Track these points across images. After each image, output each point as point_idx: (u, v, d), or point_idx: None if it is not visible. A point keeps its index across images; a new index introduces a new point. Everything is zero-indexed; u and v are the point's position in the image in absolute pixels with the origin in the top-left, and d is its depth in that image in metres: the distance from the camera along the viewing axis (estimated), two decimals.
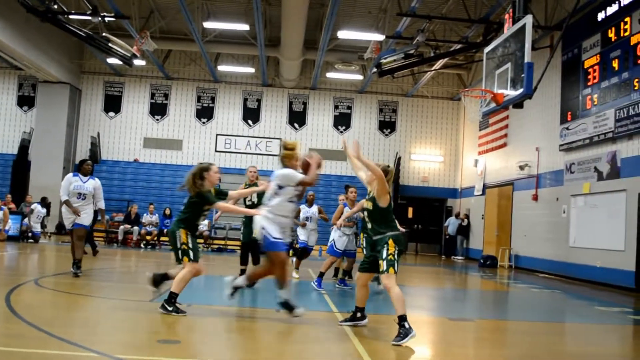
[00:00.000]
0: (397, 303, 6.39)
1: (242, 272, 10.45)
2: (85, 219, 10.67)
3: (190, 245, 7.45)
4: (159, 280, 7.73)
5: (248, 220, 10.28)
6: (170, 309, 7.19)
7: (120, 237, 20.87)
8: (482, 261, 21.38)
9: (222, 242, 22.50)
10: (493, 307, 10.11)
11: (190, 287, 11.16)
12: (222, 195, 8.14)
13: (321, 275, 11.05)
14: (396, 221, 6.90)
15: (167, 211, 21.92)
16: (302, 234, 13.14)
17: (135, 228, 20.93)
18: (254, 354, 5.83)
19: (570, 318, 10.27)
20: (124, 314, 7.60)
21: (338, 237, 11.25)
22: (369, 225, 6.91)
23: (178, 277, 7.40)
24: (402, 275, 10.99)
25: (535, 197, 19.41)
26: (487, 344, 7.05)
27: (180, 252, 7.44)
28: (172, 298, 7.27)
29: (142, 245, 20.80)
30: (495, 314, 9.83)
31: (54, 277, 10.72)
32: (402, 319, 6.29)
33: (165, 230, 21.17)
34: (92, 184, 11.02)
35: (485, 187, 24.15)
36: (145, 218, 21.38)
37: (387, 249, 6.53)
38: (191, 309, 8.04)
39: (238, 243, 22.28)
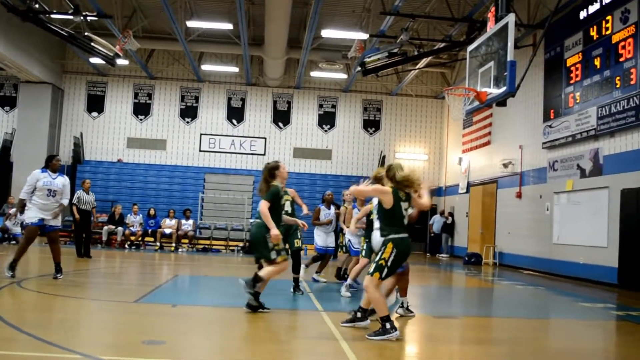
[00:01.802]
0: (376, 306, 6.47)
1: (295, 280, 10.25)
2: (57, 219, 10.45)
3: (281, 244, 7.80)
4: (251, 284, 7.73)
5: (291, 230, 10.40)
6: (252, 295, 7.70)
7: (104, 238, 20.71)
8: (466, 259, 21.47)
9: (207, 242, 22.42)
10: (478, 304, 10.17)
11: (175, 287, 11.14)
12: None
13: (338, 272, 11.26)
14: (404, 223, 6.66)
15: (152, 211, 21.80)
16: (320, 239, 12.37)
17: (120, 229, 20.78)
18: (239, 353, 5.82)
19: (554, 314, 10.34)
20: (109, 315, 7.56)
21: (353, 238, 11.09)
22: (377, 225, 6.95)
23: (269, 271, 7.74)
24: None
25: (519, 195, 19.52)
26: (472, 341, 7.08)
27: (274, 252, 7.71)
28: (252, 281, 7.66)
29: (126, 246, 20.67)
30: (479, 311, 9.88)
31: (37, 279, 10.62)
32: (383, 319, 6.35)
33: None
34: (62, 181, 10.54)
35: (469, 185, 24.25)
36: (129, 218, 21.26)
37: (383, 253, 6.51)
38: (176, 309, 8.02)
39: (223, 243, 22.43)
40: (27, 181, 10.33)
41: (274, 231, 7.59)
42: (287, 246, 8.41)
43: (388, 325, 6.28)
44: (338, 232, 12.63)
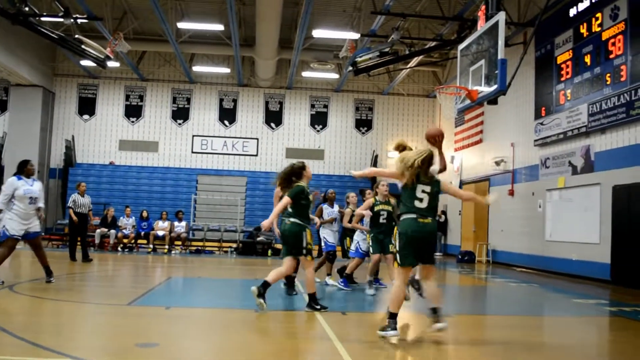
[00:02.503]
0: (390, 299, 6.40)
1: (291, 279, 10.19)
2: (38, 225, 10.16)
3: (312, 244, 8.19)
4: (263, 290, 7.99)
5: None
6: (318, 307, 8.01)
7: (97, 241, 20.62)
8: (460, 257, 21.51)
9: (201, 243, 22.38)
10: (471, 302, 10.20)
11: (168, 289, 11.11)
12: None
13: (348, 277, 11.10)
14: (414, 204, 6.46)
15: (144, 214, 21.74)
16: (330, 237, 12.13)
17: (112, 231, 20.71)
18: (233, 355, 5.80)
19: (548, 311, 10.36)
20: (102, 318, 7.54)
21: (362, 240, 11.06)
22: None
23: (308, 279, 8.20)
24: (381, 272, 10.99)
25: (512, 192, 19.57)
26: (466, 340, 7.08)
27: (305, 250, 8.09)
28: (313, 299, 8.10)
29: (119, 249, 20.60)
30: (473, 309, 9.90)
31: (29, 283, 10.58)
32: (389, 316, 6.31)
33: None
34: (38, 186, 10.16)
35: (461, 183, 24.29)
36: (122, 221, 21.18)
37: (394, 241, 6.52)
38: (170, 311, 8.00)
39: (216, 244, 22.38)
40: (3, 190, 9.94)
41: (265, 222, 7.90)
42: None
43: (391, 323, 6.25)
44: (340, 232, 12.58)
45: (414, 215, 6.40)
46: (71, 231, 15.95)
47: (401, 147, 7.21)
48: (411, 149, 6.92)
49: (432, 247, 6.56)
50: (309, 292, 8.20)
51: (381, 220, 10.23)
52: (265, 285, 7.92)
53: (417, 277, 9.40)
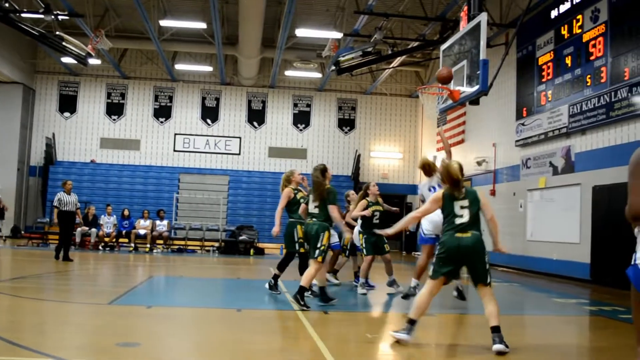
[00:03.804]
0: (414, 305, 6.31)
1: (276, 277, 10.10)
2: None
3: (326, 247, 8.43)
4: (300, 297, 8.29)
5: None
6: (302, 303, 8.15)
7: (77, 240, 20.46)
8: None
9: (182, 242, 22.29)
10: (453, 301, 10.20)
11: (150, 288, 11.05)
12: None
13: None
14: (455, 222, 6.28)
15: (126, 212, 21.61)
16: (335, 235, 11.79)
17: (93, 230, 20.56)
18: (215, 354, 5.78)
19: (528, 310, 10.44)
20: (82, 317, 7.48)
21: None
22: None
23: (309, 274, 8.35)
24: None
25: (493, 192, 19.69)
26: (448, 338, 7.12)
27: (317, 251, 8.30)
28: (302, 293, 8.23)
29: (100, 247, 20.47)
30: (455, 308, 9.93)
31: (9, 281, 10.48)
32: (408, 320, 6.22)
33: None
34: None
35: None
36: (103, 219, 21.03)
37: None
38: (151, 310, 7.96)
39: (198, 243, 22.30)
40: None
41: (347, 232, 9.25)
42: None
43: (407, 327, 6.17)
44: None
45: (452, 231, 6.27)
46: (60, 230, 15.35)
47: (427, 166, 7.63)
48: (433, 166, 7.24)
49: (477, 263, 6.25)
50: (302, 284, 8.27)
51: (374, 221, 10.30)
52: (320, 291, 8.59)
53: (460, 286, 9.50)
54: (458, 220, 6.25)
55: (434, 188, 9.28)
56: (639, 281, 3.17)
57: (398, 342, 6.10)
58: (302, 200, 9.31)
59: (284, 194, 9.64)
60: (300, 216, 9.18)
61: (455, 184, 6.33)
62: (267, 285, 9.80)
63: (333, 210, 8.38)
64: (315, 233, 8.36)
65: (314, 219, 8.50)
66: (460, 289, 9.50)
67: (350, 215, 10.75)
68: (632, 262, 3.22)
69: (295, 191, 9.69)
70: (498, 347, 5.90)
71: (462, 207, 6.30)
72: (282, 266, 9.78)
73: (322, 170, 8.65)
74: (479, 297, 6.30)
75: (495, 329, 6.03)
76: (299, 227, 9.30)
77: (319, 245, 8.31)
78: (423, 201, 10.14)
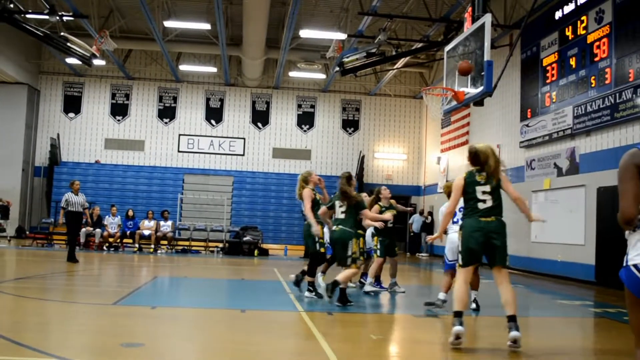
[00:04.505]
0: (454, 298, 6.31)
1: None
2: None
3: (358, 253, 8.68)
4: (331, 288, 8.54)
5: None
6: (346, 302, 8.54)
7: (82, 240, 20.49)
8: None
9: (187, 243, 22.30)
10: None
11: (154, 289, 11.06)
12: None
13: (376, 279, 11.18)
14: (477, 207, 6.34)
15: (130, 213, 21.64)
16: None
17: (98, 230, 20.59)
18: (219, 355, 5.79)
19: (533, 312, 10.42)
20: (86, 317, 7.49)
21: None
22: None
23: (346, 275, 8.61)
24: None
25: None
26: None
27: (349, 259, 8.57)
28: (335, 286, 8.48)
29: (104, 248, 20.49)
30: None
31: (14, 282, 10.50)
32: (454, 314, 6.17)
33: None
34: None
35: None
36: (108, 220, 21.06)
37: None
38: (156, 311, 7.97)
39: (202, 244, 22.31)
40: None
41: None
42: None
43: (455, 320, 6.11)
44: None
45: (475, 216, 6.32)
46: (68, 231, 15.25)
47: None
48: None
49: (500, 246, 6.32)
50: (342, 286, 8.53)
51: (388, 224, 10.31)
52: (340, 292, 8.59)
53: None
54: (481, 205, 6.32)
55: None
56: (632, 282, 3.22)
57: (458, 337, 6.02)
58: (321, 203, 9.56)
59: (306, 194, 9.52)
60: (319, 217, 9.30)
61: (478, 163, 6.42)
62: (306, 293, 9.59)
63: (366, 214, 8.88)
64: (342, 241, 8.61)
65: (340, 226, 8.73)
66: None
67: (369, 221, 10.45)
68: (624, 264, 3.27)
69: (314, 192, 9.68)
70: (515, 334, 5.96)
71: (484, 192, 6.36)
72: (311, 271, 9.66)
73: (348, 177, 8.89)
74: (496, 283, 6.33)
75: (512, 318, 6.06)
76: (319, 227, 9.35)
77: (349, 254, 8.56)
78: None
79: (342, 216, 8.73)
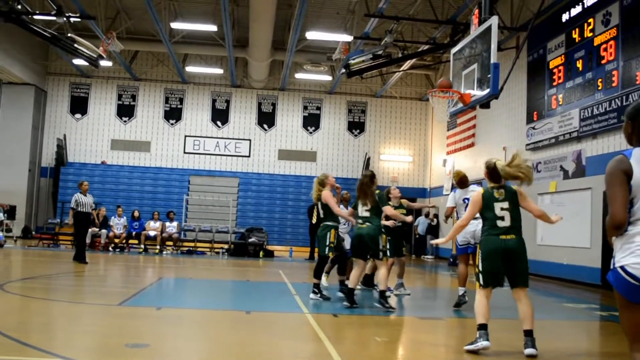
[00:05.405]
0: (475, 313, 6.23)
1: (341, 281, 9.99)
2: None
3: (386, 248, 9.20)
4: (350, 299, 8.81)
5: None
6: (387, 305, 8.72)
7: (88, 241, 20.51)
8: (451, 260, 21.51)
9: (192, 244, 22.33)
10: (463, 305, 10.16)
11: (159, 290, 11.08)
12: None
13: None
14: (496, 224, 6.25)
15: (136, 214, 21.68)
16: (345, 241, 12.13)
17: (104, 231, 20.63)
18: (223, 356, 5.79)
19: (538, 315, 10.31)
20: (92, 318, 7.51)
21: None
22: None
23: (381, 276, 8.90)
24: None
25: None
26: (458, 342, 7.09)
27: (381, 253, 8.87)
28: (383, 297, 8.80)
29: (110, 249, 20.53)
30: (465, 313, 9.91)
31: (20, 282, 10.53)
32: (478, 327, 6.10)
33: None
34: None
35: (454, 187, 24.31)
36: (113, 221, 21.11)
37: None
38: (161, 312, 7.98)
39: (207, 245, 22.34)
40: None
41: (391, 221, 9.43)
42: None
43: (480, 334, 6.06)
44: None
45: (495, 235, 6.22)
46: (77, 232, 15.24)
47: (463, 178, 9.23)
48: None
49: (520, 266, 6.23)
50: (381, 289, 8.81)
51: (398, 224, 10.30)
52: (349, 294, 8.79)
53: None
54: (500, 223, 6.24)
55: (467, 199, 9.30)
56: (619, 284, 3.25)
57: (477, 352, 5.97)
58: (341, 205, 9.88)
59: (327, 196, 9.47)
60: (334, 220, 9.48)
61: (496, 179, 6.36)
62: (311, 295, 9.53)
63: (388, 210, 9.17)
64: (372, 237, 8.77)
65: (367, 223, 8.87)
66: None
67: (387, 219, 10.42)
68: (612, 267, 3.29)
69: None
70: (530, 351, 5.94)
71: (502, 209, 6.28)
72: (317, 273, 9.64)
73: (371, 176, 9.15)
74: (514, 298, 6.27)
75: (529, 333, 6.07)
76: (332, 231, 9.43)
77: (380, 248, 8.83)
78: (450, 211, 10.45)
79: (367, 214, 8.90)
